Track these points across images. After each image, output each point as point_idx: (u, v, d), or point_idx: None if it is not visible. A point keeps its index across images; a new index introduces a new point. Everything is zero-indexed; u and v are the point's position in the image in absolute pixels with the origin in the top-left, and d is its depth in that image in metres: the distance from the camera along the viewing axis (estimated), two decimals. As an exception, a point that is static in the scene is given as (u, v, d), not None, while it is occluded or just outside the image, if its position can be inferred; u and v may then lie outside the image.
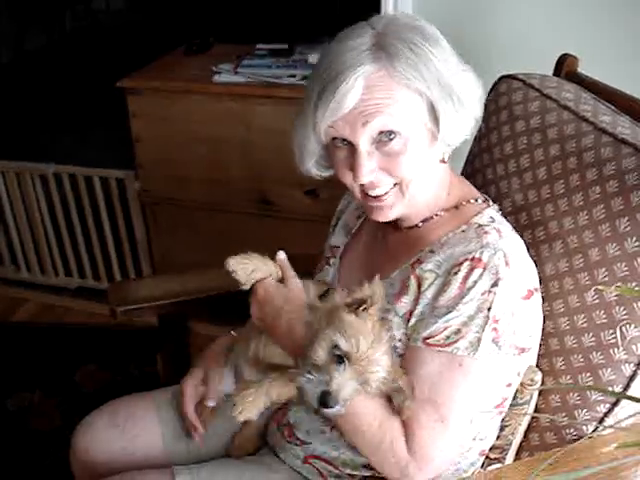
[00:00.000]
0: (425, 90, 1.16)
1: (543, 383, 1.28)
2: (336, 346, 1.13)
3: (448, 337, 1.16)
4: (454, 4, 2.05)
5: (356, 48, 1.17)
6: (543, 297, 1.27)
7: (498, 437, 1.29)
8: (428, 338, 1.18)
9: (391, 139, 1.19)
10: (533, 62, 1.63)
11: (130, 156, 2.79)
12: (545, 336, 1.27)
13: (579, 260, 1.25)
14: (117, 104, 2.75)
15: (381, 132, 1.18)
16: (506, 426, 1.27)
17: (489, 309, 1.14)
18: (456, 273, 1.17)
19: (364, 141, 1.19)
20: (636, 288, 1.16)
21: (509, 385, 1.24)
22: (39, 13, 5.72)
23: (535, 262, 1.28)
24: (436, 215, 1.29)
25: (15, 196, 3.20)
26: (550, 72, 1.67)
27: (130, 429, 1.52)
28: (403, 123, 1.18)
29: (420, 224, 1.30)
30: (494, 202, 1.33)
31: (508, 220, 1.30)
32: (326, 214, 2.32)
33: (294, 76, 2.47)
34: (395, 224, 1.34)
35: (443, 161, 1.27)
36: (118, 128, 2.95)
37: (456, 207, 1.29)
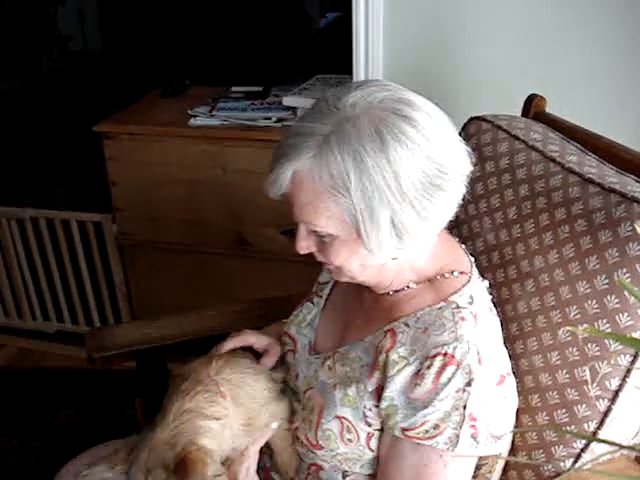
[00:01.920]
0: (351, 208, 1.11)
1: (519, 420, 1.29)
2: None
3: (427, 431, 1.15)
4: (423, 44, 2.09)
5: (307, 134, 1.12)
6: (517, 335, 1.29)
7: (475, 476, 1.29)
8: (407, 430, 1.17)
9: (320, 234, 1.18)
10: (502, 101, 1.67)
11: (107, 199, 2.80)
12: (521, 374, 1.28)
13: (551, 298, 1.27)
14: (93, 147, 2.76)
15: None
16: (483, 464, 1.28)
17: (464, 407, 1.13)
18: (429, 367, 1.15)
19: (300, 224, 1.20)
20: (606, 326, 1.17)
21: None
22: (15, 54, 5.74)
23: (508, 300, 1.30)
24: (407, 287, 1.27)
25: (-8, 241, 3.18)
26: (519, 111, 1.71)
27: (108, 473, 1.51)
28: (327, 227, 1.15)
29: (391, 292, 1.28)
30: (475, 260, 1.32)
31: (484, 273, 1.30)
32: (304, 254, 2.35)
33: (269, 118, 2.50)
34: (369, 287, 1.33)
35: (395, 259, 1.21)
36: (95, 171, 2.96)
37: (430, 280, 1.25)
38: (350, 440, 1.25)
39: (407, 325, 1.21)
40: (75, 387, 2.94)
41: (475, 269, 1.30)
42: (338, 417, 1.25)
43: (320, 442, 1.27)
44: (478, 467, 1.28)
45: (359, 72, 2.14)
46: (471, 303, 1.21)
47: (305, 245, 1.22)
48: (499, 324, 1.26)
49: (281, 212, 2.45)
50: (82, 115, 3.34)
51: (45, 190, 4.04)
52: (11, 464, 2.55)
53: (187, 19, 4.88)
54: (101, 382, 2.89)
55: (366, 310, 1.34)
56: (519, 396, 1.28)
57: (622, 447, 0.70)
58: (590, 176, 1.32)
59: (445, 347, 1.15)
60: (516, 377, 1.26)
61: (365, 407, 1.23)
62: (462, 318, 1.18)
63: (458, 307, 1.19)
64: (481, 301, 1.24)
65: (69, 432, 2.67)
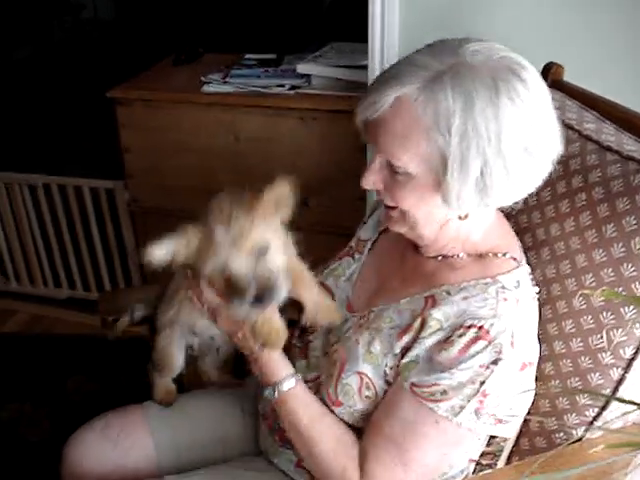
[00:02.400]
0: (444, 150, 1.09)
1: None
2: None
3: (433, 394, 1.15)
4: (440, 11, 2.06)
5: (421, 66, 1.10)
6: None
7: (490, 444, 1.30)
8: (415, 386, 1.18)
9: (396, 171, 1.16)
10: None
11: (119, 166, 2.80)
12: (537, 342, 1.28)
13: (566, 266, 1.26)
14: (106, 114, 2.76)
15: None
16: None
17: (482, 383, 1.13)
18: (460, 336, 1.14)
19: (377, 156, 1.18)
20: (622, 293, 1.17)
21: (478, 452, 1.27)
22: (27, 23, 5.71)
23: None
24: (457, 256, 1.25)
25: (4, 207, 3.19)
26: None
27: (122, 442, 1.53)
28: (409, 164, 1.13)
29: (439, 258, 1.27)
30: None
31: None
32: (315, 223, 2.35)
33: (283, 86, 2.48)
34: (415, 246, 1.31)
35: (464, 217, 1.21)
36: (107, 138, 2.95)
37: (481, 256, 1.24)
38: (368, 397, 1.26)
39: (449, 293, 1.20)
40: (87, 354, 2.95)
41: (524, 259, 1.28)
42: (358, 373, 1.25)
43: (339, 398, 1.27)
44: (493, 436, 1.28)
45: (375, 39, 2.12)
46: (517, 287, 1.19)
47: (373, 180, 1.20)
48: (537, 316, 1.25)
49: (293, 180, 2.46)
50: (94, 84, 3.32)
51: (57, 157, 4.04)
52: (23, 429, 2.57)
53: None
54: (112, 349, 2.90)
55: (405, 272, 1.33)
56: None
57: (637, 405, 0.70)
58: (608, 144, 1.31)
59: (482, 321, 1.14)
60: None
61: (387, 365, 1.23)
62: (505, 299, 1.16)
63: (503, 287, 1.18)
64: (526, 288, 1.22)
65: (81, 397, 2.69)
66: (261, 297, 1.17)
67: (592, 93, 1.56)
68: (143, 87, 2.67)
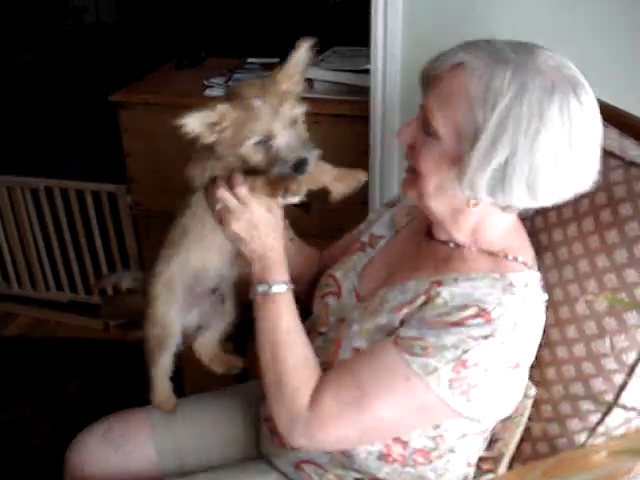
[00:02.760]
0: (479, 126, 1.10)
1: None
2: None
3: (412, 347, 1.15)
4: (443, 16, 2.06)
5: (496, 48, 1.13)
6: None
7: (491, 449, 1.29)
8: (399, 338, 1.18)
9: (428, 131, 1.17)
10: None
11: (122, 170, 2.80)
12: (537, 347, 1.28)
13: (569, 272, 1.26)
14: (109, 118, 2.76)
15: None
16: (499, 439, 1.28)
17: (465, 351, 1.12)
18: (459, 310, 1.15)
19: (420, 111, 1.20)
20: (625, 299, 1.17)
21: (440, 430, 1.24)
22: (29, 27, 5.73)
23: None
24: (469, 248, 1.25)
25: (6, 210, 3.19)
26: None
27: (124, 446, 1.53)
28: (442, 126, 1.14)
29: (452, 245, 1.27)
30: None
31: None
32: (318, 227, 2.34)
33: (285, 90, 2.47)
34: (431, 233, 1.32)
35: (473, 205, 1.19)
36: (109, 142, 2.96)
37: (492, 254, 1.24)
38: None
39: (456, 280, 1.20)
40: (88, 357, 2.96)
41: (536, 267, 1.27)
42: (354, 348, 1.26)
43: None
44: (494, 441, 1.28)
45: (377, 43, 2.12)
46: (525, 287, 1.19)
47: (408, 132, 1.23)
48: (543, 323, 1.24)
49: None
50: (96, 88, 3.33)
51: (60, 160, 4.04)
52: (24, 432, 2.57)
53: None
54: (114, 353, 2.91)
55: (418, 258, 1.32)
56: (535, 369, 1.27)
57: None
58: (611, 149, 1.30)
59: (485, 304, 1.14)
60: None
61: (380, 339, 1.23)
62: (512, 293, 1.16)
63: (511, 285, 1.18)
64: (535, 291, 1.22)
65: (82, 401, 2.69)
66: (300, 164, 1.24)
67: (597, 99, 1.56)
68: (146, 91, 2.67)
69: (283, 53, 2.73)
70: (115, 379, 2.77)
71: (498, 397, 1.19)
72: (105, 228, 3.12)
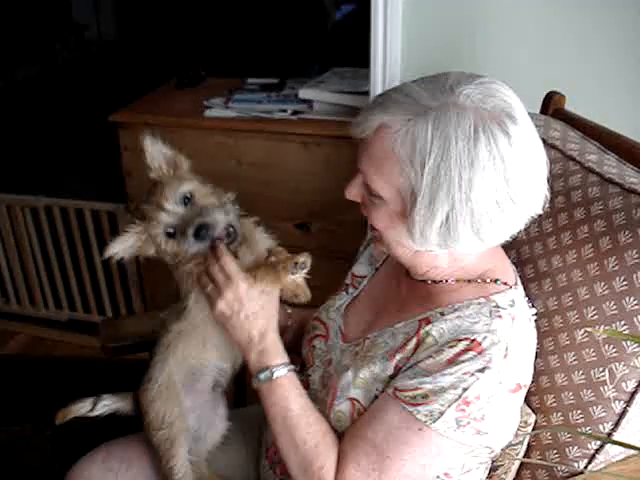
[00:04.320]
0: (415, 185, 1.10)
1: (534, 421, 1.29)
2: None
3: (414, 397, 1.15)
4: (442, 39, 2.07)
5: (412, 98, 1.11)
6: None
7: (491, 477, 1.29)
8: (398, 390, 1.18)
9: (371, 192, 1.18)
10: (521, 98, 1.65)
11: (121, 189, 2.80)
12: (536, 374, 1.27)
13: (568, 298, 1.26)
14: (108, 136, 2.76)
15: None
16: (499, 466, 1.27)
17: (465, 389, 1.12)
18: (451, 347, 1.15)
19: (359, 173, 1.21)
20: (624, 328, 1.17)
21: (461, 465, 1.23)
22: (30, 43, 5.75)
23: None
24: (446, 281, 1.26)
25: (5, 229, 3.20)
26: (538, 108, 1.69)
27: (124, 473, 1.53)
28: (382, 190, 1.15)
29: (429, 282, 1.27)
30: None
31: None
32: (317, 247, 2.35)
33: (285, 111, 2.49)
34: (408, 272, 1.32)
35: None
36: (109, 161, 2.96)
37: (470, 281, 1.24)
38: None
39: (442, 314, 1.21)
40: (88, 376, 2.94)
41: (519, 282, 1.28)
42: (350, 399, 1.25)
43: (333, 424, 1.27)
44: (494, 469, 1.27)
45: (376, 65, 2.13)
46: (512, 306, 1.19)
47: (354, 193, 1.23)
48: (535, 337, 1.25)
49: (296, 205, 2.46)
50: (97, 105, 3.34)
51: (59, 179, 4.05)
52: (23, 452, 2.55)
53: (203, 9, 4.87)
54: (114, 372, 2.89)
55: (402, 298, 1.33)
56: (534, 396, 1.28)
57: (637, 449, 0.70)
58: (610, 176, 1.31)
59: (475, 335, 1.14)
60: (532, 377, 1.25)
61: (377, 390, 1.23)
62: (500, 316, 1.17)
63: (498, 307, 1.18)
64: (522, 308, 1.22)
65: (82, 420, 2.68)
66: (199, 230, 1.29)
67: (594, 123, 1.57)
68: (145, 111, 2.67)
69: (283, 73, 2.76)
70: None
71: (506, 422, 1.20)
72: (104, 247, 3.10)
